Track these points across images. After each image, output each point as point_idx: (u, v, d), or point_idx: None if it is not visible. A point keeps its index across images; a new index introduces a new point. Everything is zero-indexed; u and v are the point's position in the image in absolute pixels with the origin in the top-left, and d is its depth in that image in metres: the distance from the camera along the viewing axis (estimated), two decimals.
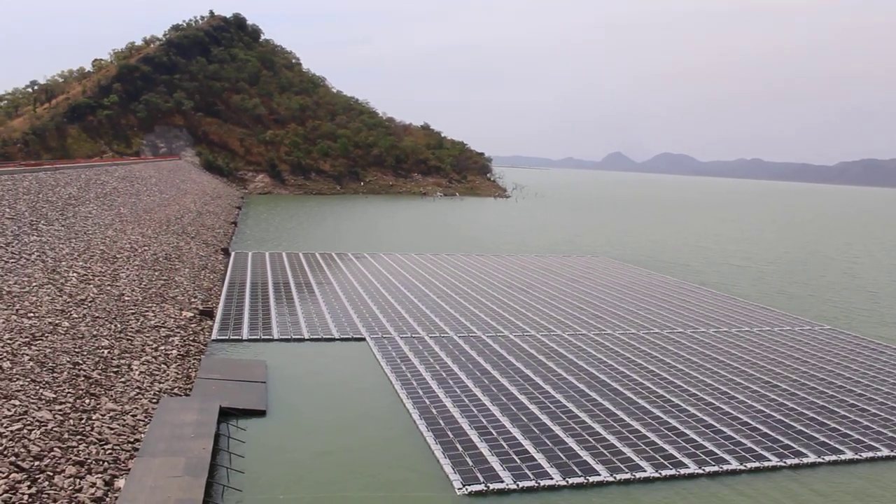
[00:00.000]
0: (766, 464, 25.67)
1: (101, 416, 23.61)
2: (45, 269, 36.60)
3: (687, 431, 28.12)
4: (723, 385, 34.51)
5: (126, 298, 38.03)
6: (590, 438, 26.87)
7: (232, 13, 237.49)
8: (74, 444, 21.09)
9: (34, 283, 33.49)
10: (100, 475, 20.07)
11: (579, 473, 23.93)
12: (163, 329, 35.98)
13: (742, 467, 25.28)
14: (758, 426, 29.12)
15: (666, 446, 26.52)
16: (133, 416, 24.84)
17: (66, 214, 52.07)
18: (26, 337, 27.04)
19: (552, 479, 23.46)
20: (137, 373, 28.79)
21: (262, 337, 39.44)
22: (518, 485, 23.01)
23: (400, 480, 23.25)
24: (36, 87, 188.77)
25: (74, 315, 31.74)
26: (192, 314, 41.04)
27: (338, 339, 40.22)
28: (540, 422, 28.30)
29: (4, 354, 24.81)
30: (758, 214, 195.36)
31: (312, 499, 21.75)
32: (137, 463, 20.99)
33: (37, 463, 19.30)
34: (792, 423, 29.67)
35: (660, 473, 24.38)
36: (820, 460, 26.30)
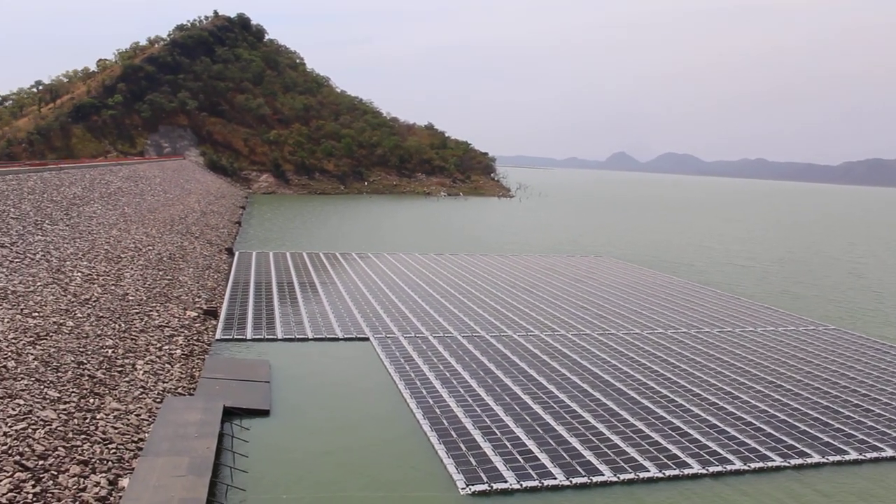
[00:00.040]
0: (769, 464, 25.62)
1: (105, 416, 23.66)
2: (49, 268, 36.70)
3: (691, 431, 28.08)
4: (727, 385, 34.45)
5: (130, 298, 38.12)
6: (593, 438, 26.85)
7: (236, 13, 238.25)
8: (79, 443, 21.14)
9: (39, 283, 33.58)
10: (104, 474, 20.12)
11: (583, 473, 23.91)
12: (167, 329, 36.06)
13: (746, 467, 25.23)
14: (762, 426, 29.06)
15: (669, 446, 26.48)
16: (137, 415, 24.89)
17: (71, 214, 52.21)
18: (31, 336, 27.12)
19: (556, 478, 23.44)
20: (141, 372, 28.85)
21: (266, 337, 39.49)
22: (521, 484, 23.01)
23: (403, 480, 23.26)
24: (41, 88, 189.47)
25: (79, 314, 31.83)
26: (196, 314, 41.11)
27: (341, 339, 40.25)
28: (543, 421, 28.29)
29: (9, 354, 24.89)
30: (762, 214, 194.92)
31: (316, 498, 21.77)
32: (141, 462, 21.03)
33: (41, 462, 19.35)
34: (796, 423, 29.61)
35: (663, 473, 24.35)
36: (824, 460, 26.23)
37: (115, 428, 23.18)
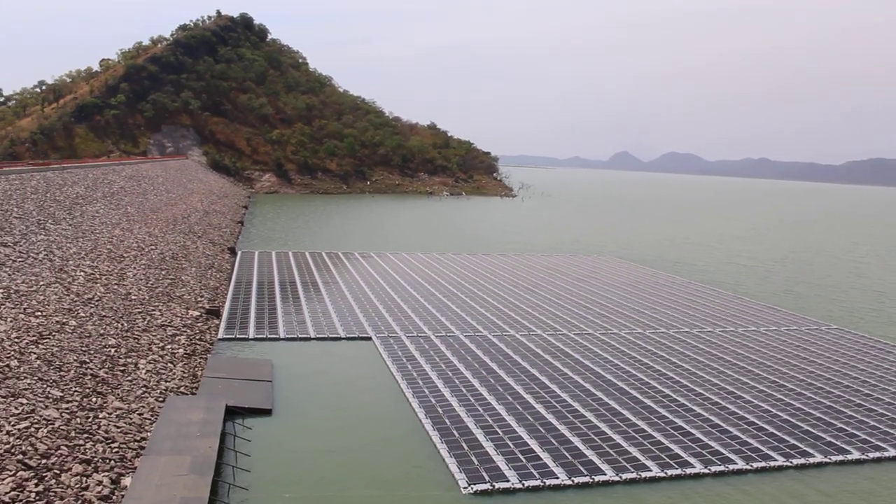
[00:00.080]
0: (772, 464, 25.59)
1: (107, 415, 23.71)
2: (52, 268, 36.77)
3: (693, 431, 28.06)
4: (729, 384, 34.42)
5: (133, 297, 38.18)
6: (595, 438, 26.84)
7: (239, 13, 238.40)
8: (81, 442, 21.19)
9: (42, 282, 33.65)
10: (106, 473, 20.16)
11: (585, 473, 23.91)
12: (169, 328, 36.10)
13: (748, 467, 25.21)
14: (764, 426, 29.03)
15: (672, 446, 26.47)
16: (139, 414, 24.94)
17: (74, 213, 52.31)
18: (34, 336, 27.18)
19: (558, 478, 23.44)
20: (144, 371, 28.90)
21: (269, 336, 39.53)
22: (523, 484, 23.01)
23: (405, 479, 23.27)
24: (44, 87, 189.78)
25: (81, 314, 31.89)
26: (198, 313, 41.16)
27: (344, 339, 40.27)
28: (546, 421, 28.29)
29: (12, 353, 24.95)
30: (764, 214, 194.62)
31: (318, 497, 21.80)
32: (144, 461, 21.06)
33: (44, 461, 19.40)
34: (798, 423, 29.58)
35: (665, 473, 24.33)
36: (826, 460, 26.20)
37: (118, 427, 23.23)
